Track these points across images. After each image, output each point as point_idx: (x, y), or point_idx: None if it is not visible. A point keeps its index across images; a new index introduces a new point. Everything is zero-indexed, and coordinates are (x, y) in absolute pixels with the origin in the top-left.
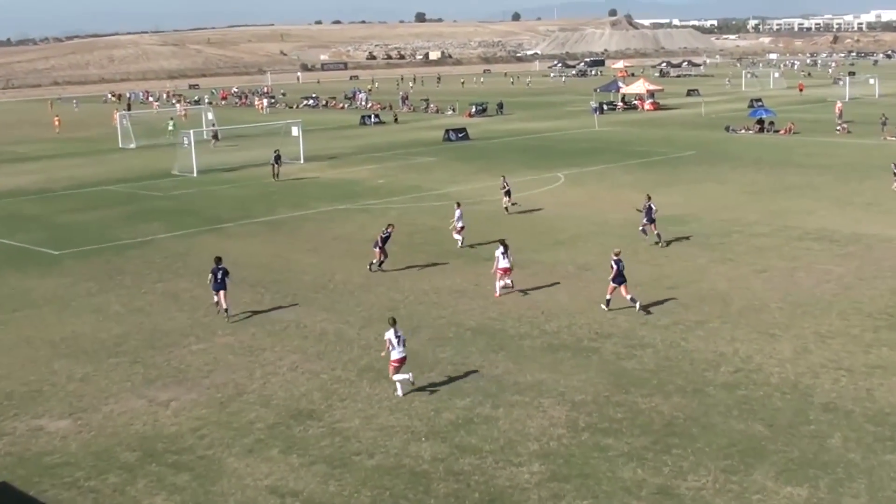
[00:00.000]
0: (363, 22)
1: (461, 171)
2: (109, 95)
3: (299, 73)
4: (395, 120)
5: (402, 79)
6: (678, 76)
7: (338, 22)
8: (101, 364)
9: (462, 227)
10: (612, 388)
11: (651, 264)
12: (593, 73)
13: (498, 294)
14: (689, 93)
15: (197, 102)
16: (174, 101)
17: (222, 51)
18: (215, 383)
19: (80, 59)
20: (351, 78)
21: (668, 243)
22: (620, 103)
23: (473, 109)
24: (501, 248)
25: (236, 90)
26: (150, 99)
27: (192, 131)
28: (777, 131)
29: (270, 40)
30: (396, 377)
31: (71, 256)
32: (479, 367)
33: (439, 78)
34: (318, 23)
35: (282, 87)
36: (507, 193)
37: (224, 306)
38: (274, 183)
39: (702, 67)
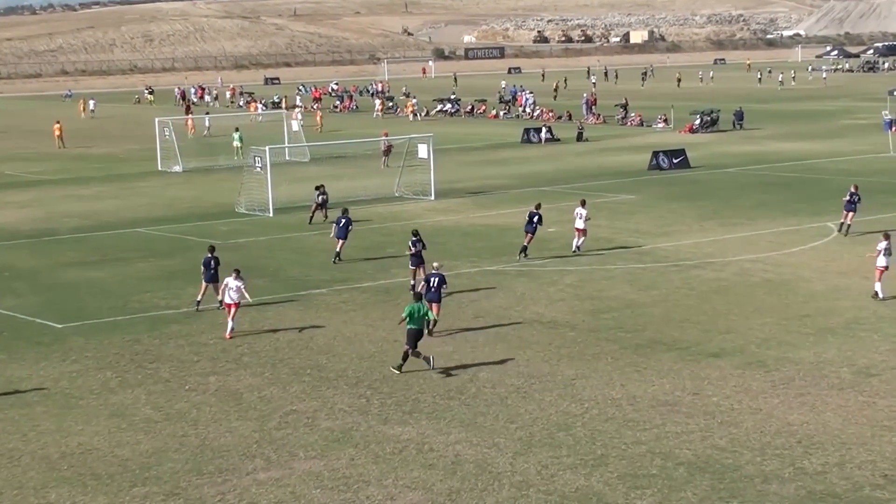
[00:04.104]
0: None
1: (676, 216)
2: (145, 92)
3: (431, 63)
4: (581, 136)
5: (588, 72)
6: None
7: None
8: (120, 495)
9: (584, 230)
10: None
11: None
12: (886, 65)
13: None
14: None
15: (276, 105)
16: (241, 103)
17: (315, 27)
18: None
19: (101, 36)
20: (510, 71)
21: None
22: None
23: (697, 121)
24: (234, 275)
25: (336, 87)
26: (207, 98)
27: (267, 149)
28: None
29: (389, 13)
30: None
31: (81, 332)
32: None
33: (645, 72)
34: None
35: (403, 83)
36: None
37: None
38: (391, 231)
39: None
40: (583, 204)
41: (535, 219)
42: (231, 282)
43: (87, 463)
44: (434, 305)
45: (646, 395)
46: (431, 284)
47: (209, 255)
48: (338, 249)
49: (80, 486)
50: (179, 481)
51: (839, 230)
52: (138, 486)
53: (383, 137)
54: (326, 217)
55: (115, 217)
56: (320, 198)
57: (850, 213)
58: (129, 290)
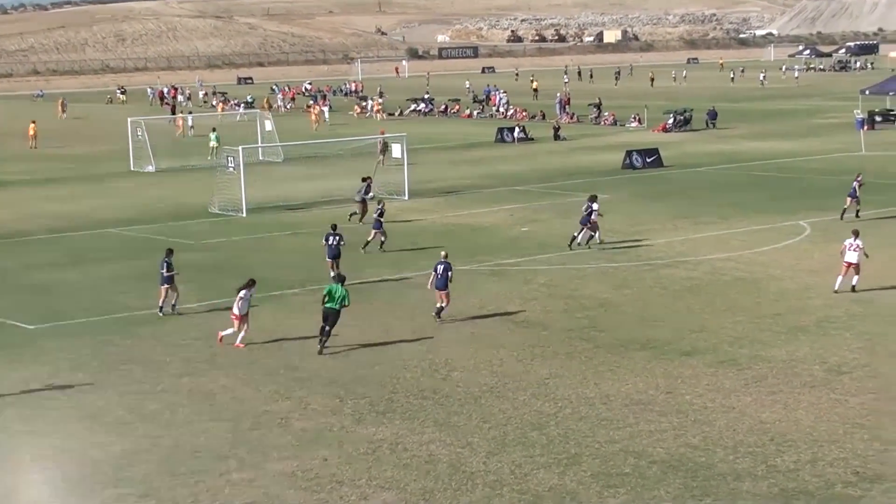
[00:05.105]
0: None
1: (649, 215)
2: (118, 92)
3: (405, 62)
4: (557, 135)
5: (566, 71)
6: None
7: None
8: (92, 497)
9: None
10: None
11: None
12: (858, 65)
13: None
14: None
15: (249, 105)
16: (213, 103)
17: (288, 27)
18: None
19: (72, 36)
20: (484, 70)
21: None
22: None
23: (670, 121)
24: (251, 287)
25: (309, 87)
26: (180, 98)
27: (241, 148)
28: None
29: (362, 12)
30: None
31: (52, 334)
32: None
33: (619, 71)
34: None
35: (377, 82)
36: None
37: (166, 301)
38: (363, 228)
39: None
40: (594, 199)
41: (587, 210)
42: (245, 293)
43: (59, 465)
44: (441, 292)
45: (619, 393)
46: (438, 272)
47: (164, 258)
48: (369, 239)
49: (51, 488)
50: (153, 483)
51: (841, 217)
52: (111, 487)
53: (381, 135)
54: (367, 212)
55: (87, 218)
56: (369, 194)
57: (851, 200)
58: (102, 291)
